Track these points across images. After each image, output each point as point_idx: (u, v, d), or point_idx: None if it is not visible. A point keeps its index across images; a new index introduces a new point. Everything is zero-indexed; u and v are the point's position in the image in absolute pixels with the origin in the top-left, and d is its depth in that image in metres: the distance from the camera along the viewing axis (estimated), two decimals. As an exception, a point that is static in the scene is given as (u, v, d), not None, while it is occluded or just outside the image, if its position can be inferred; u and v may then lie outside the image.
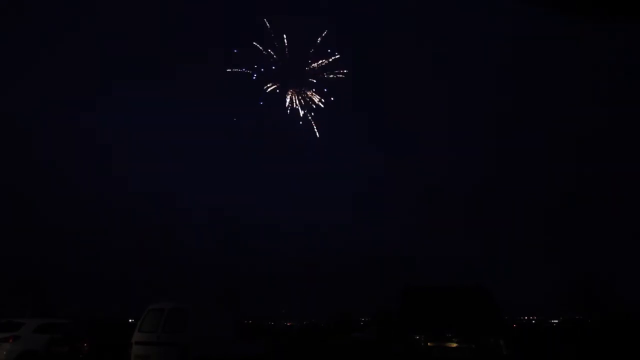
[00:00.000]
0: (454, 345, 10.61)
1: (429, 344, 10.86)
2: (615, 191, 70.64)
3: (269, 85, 40.39)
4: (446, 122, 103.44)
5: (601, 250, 59.35)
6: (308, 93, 40.10)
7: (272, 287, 61.14)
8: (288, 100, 40.15)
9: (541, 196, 79.19)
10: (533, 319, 53.36)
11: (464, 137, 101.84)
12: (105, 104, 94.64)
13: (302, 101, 40.36)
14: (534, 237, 69.67)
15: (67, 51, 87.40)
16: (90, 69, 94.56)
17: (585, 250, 60.29)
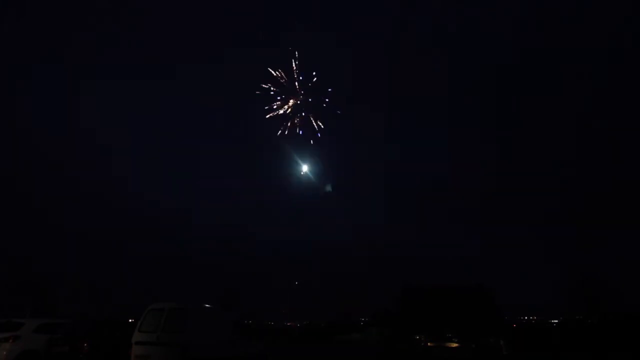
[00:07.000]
0: (454, 345, 10.59)
1: (429, 344, 10.85)
2: (615, 191, 70.63)
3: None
4: (447, 122, 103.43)
5: (601, 250, 59.37)
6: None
7: (272, 287, 61.21)
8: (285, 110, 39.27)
9: (541, 195, 79.17)
10: (533, 319, 53.23)
11: (464, 137, 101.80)
12: (106, 103, 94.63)
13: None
14: (534, 237, 69.67)
15: (68, 51, 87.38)
16: (89, 68, 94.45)
17: (585, 249, 60.32)
